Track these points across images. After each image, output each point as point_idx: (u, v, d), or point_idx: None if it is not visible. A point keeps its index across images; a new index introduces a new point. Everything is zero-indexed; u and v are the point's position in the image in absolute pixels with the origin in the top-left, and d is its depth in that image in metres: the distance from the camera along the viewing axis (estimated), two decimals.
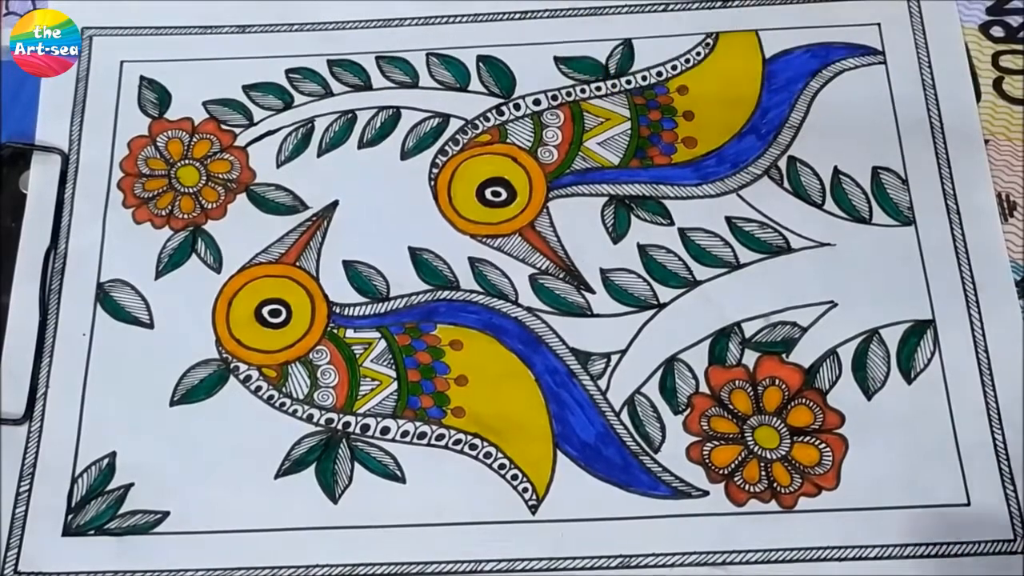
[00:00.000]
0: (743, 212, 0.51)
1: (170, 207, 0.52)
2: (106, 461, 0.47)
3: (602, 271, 0.50)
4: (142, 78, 0.55)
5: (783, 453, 0.46)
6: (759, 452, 0.46)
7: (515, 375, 0.48)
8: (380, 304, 0.50)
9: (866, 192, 0.51)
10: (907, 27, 0.54)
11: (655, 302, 0.49)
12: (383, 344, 0.49)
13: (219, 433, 0.48)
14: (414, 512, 0.46)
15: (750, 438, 0.47)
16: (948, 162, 0.51)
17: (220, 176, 0.53)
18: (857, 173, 0.51)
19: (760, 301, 0.49)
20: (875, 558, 0.44)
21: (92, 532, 0.46)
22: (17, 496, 0.47)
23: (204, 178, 0.53)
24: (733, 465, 0.46)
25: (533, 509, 0.46)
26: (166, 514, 0.46)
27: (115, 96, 0.55)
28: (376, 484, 0.47)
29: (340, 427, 0.48)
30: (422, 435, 0.47)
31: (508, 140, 0.53)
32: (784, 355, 0.48)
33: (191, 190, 0.53)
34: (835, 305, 0.49)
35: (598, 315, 0.49)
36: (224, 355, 0.49)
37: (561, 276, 0.50)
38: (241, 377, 0.49)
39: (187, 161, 0.53)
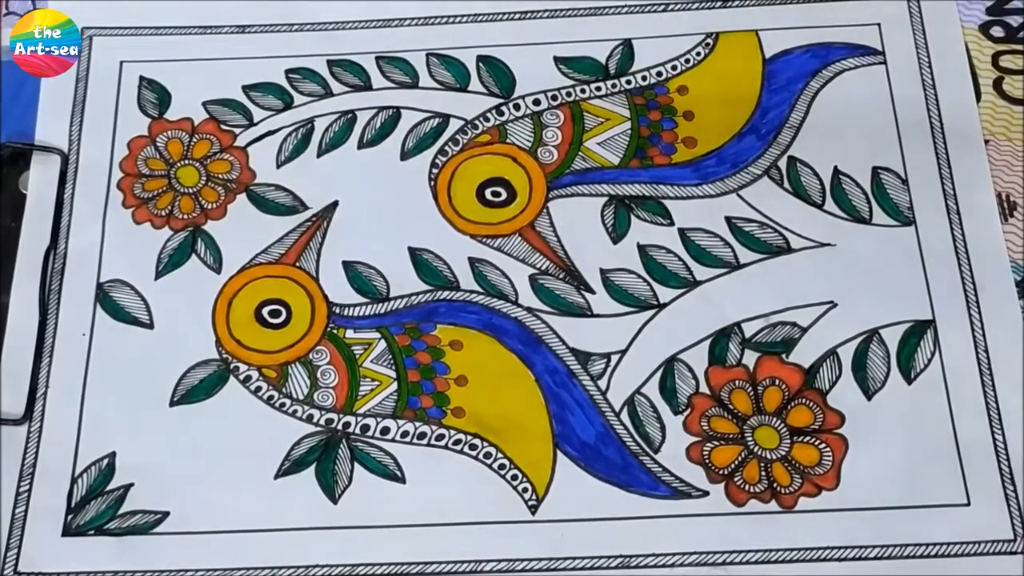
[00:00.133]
0: (743, 212, 0.51)
1: (170, 207, 0.52)
2: (106, 461, 0.47)
3: (602, 271, 0.50)
4: (142, 78, 0.55)
5: (783, 453, 0.46)
6: (759, 452, 0.46)
7: (515, 375, 0.48)
8: (380, 304, 0.50)
9: (866, 192, 0.51)
10: (907, 27, 0.54)
11: (655, 302, 0.49)
12: (383, 344, 0.49)
13: (219, 433, 0.48)
14: (414, 512, 0.46)
15: (750, 438, 0.47)
16: (948, 162, 0.51)
17: (220, 176, 0.53)
18: (857, 173, 0.51)
19: (760, 301, 0.49)
20: (875, 558, 0.44)
21: (92, 532, 0.46)
22: (17, 496, 0.47)
23: (204, 178, 0.53)
24: (733, 465, 0.46)
25: (533, 509, 0.46)
26: (166, 514, 0.46)
27: (115, 96, 0.55)
28: (376, 484, 0.46)
29: (340, 427, 0.48)
30: (422, 435, 0.47)
31: (508, 140, 0.53)
32: (784, 355, 0.48)
33: (191, 190, 0.53)
34: (835, 305, 0.49)
35: (598, 315, 0.49)
36: (224, 355, 0.49)
37: (561, 276, 0.50)
38: (241, 377, 0.49)
39: (187, 161, 0.53)
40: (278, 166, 0.53)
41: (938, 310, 0.48)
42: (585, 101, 0.54)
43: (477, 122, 0.53)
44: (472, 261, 0.51)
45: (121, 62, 0.55)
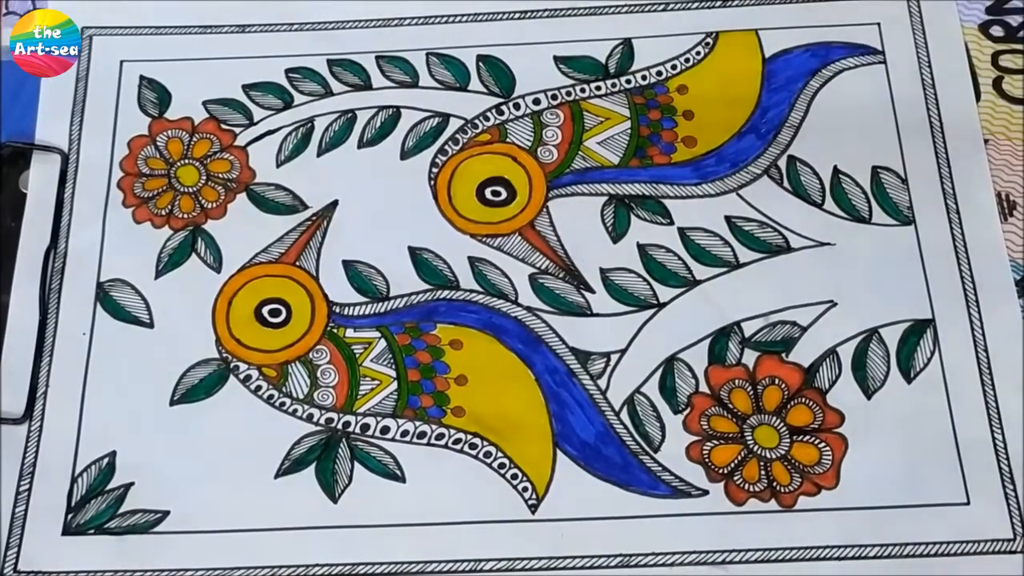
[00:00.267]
0: (743, 211, 0.51)
1: (170, 207, 0.52)
2: (106, 460, 0.47)
3: (602, 270, 0.50)
4: (142, 78, 0.55)
5: (783, 452, 0.46)
6: (759, 451, 0.46)
7: (515, 375, 0.48)
8: (380, 304, 0.50)
9: (866, 192, 0.51)
10: (907, 27, 0.54)
11: (655, 301, 0.49)
12: (383, 344, 0.49)
13: (219, 432, 0.48)
14: (414, 511, 0.46)
15: (750, 437, 0.47)
16: (948, 162, 0.51)
17: (220, 176, 0.53)
18: (857, 173, 0.51)
19: (760, 300, 0.49)
20: (874, 557, 0.44)
21: (92, 531, 0.46)
22: (17, 495, 0.47)
23: (204, 178, 0.53)
24: (733, 464, 0.46)
25: (533, 508, 0.46)
26: (166, 513, 0.46)
27: (115, 96, 0.55)
28: (376, 483, 0.47)
29: (340, 427, 0.48)
30: (422, 434, 0.47)
31: (508, 140, 0.53)
32: (784, 354, 0.48)
33: (191, 190, 0.53)
34: (835, 304, 0.49)
35: (598, 315, 0.49)
36: (224, 355, 0.49)
37: (561, 276, 0.50)
38: (241, 377, 0.49)
39: (187, 161, 0.53)
40: (278, 165, 0.53)
41: (938, 309, 0.48)
42: (585, 100, 0.54)
43: (477, 121, 0.53)
44: (472, 260, 0.51)
45: (121, 62, 0.55)
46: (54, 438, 0.48)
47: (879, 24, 0.54)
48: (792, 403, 0.47)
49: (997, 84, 0.53)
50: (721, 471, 0.46)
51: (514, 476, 0.46)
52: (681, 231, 0.51)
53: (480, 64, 0.55)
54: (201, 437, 0.47)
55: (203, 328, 0.50)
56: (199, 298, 0.50)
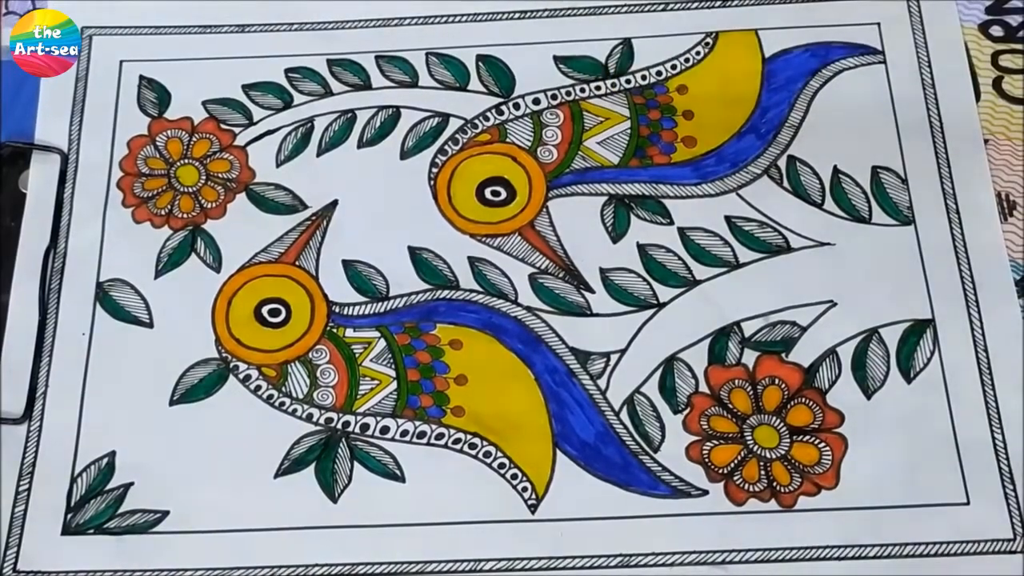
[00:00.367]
0: (743, 211, 0.51)
1: (169, 206, 0.52)
2: (105, 460, 0.47)
3: (602, 270, 0.50)
4: (141, 78, 0.55)
5: (783, 452, 0.46)
6: (759, 451, 0.46)
7: (515, 374, 0.48)
8: (380, 303, 0.50)
9: (866, 192, 0.51)
10: (907, 27, 0.54)
11: (655, 301, 0.49)
12: (383, 343, 0.49)
13: (219, 432, 0.48)
14: (414, 511, 0.46)
15: (750, 437, 0.47)
16: (948, 162, 0.51)
17: (219, 175, 0.53)
18: (857, 173, 0.51)
19: (760, 300, 0.49)
20: (875, 557, 0.44)
21: (91, 531, 0.46)
22: (16, 495, 0.47)
23: (203, 177, 0.53)
24: (733, 464, 0.46)
25: (532, 508, 0.46)
26: (165, 513, 0.46)
27: (115, 96, 0.55)
28: (376, 483, 0.46)
29: (340, 426, 0.48)
30: (422, 434, 0.47)
31: (508, 139, 0.53)
32: (784, 354, 0.48)
33: (190, 189, 0.53)
34: (835, 304, 0.49)
35: (598, 314, 0.49)
36: (224, 354, 0.49)
37: (561, 275, 0.50)
38: (241, 376, 0.49)
39: (186, 160, 0.53)
40: (278, 165, 0.53)
41: (938, 309, 0.48)
42: (585, 100, 0.54)
43: (477, 121, 0.53)
44: (472, 260, 0.51)
45: (121, 61, 0.55)
46: (54, 438, 0.48)
47: (879, 24, 0.54)
48: (792, 403, 0.47)
49: (997, 84, 0.53)
50: (721, 471, 0.46)
51: (514, 476, 0.46)
52: (681, 231, 0.51)
53: (480, 64, 0.55)
54: (201, 437, 0.47)
55: (203, 328, 0.50)
56: (199, 298, 0.50)
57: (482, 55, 0.55)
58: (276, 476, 0.47)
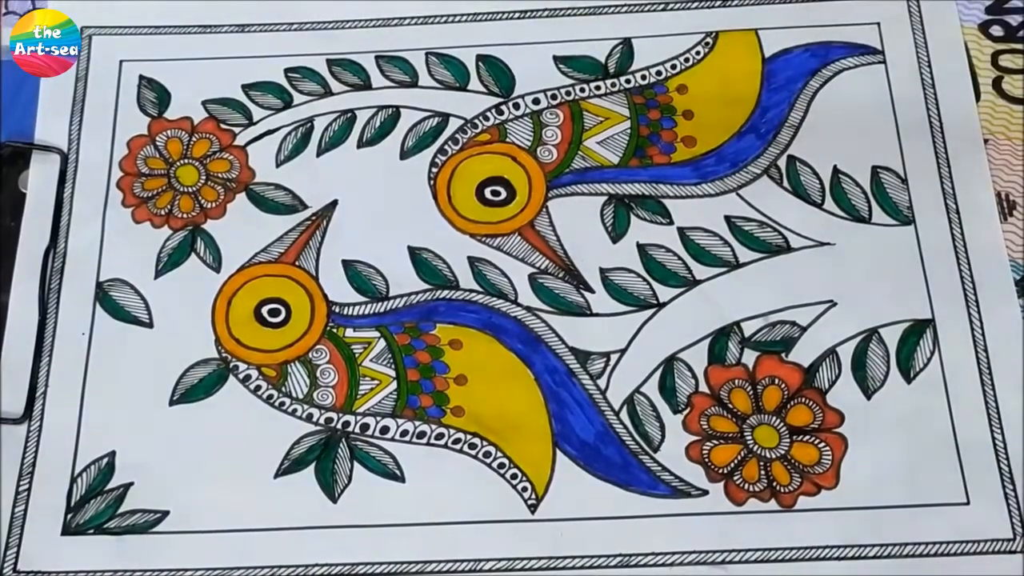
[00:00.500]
0: (742, 211, 0.51)
1: (169, 206, 0.52)
2: (105, 460, 0.47)
3: (601, 270, 0.50)
4: (141, 77, 0.55)
5: (782, 452, 0.46)
6: (758, 451, 0.46)
7: (514, 374, 0.48)
8: (379, 303, 0.50)
9: (866, 191, 0.51)
10: (907, 26, 0.54)
11: (654, 301, 0.49)
12: (382, 343, 0.49)
13: (219, 432, 0.48)
14: (413, 511, 0.46)
15: (749, 437, 0.47)
16: (948, 161, 0.51)
17: (219, 175, 0.53)
18: (857, 172, 0.51)
19: (759, 300, 0.49)
20: (874, 557, 0.44)
21: (91, 531, 0.46)
22: (16, 495, 0.47)
23: (203, 177, 0.53)
24: (732, 464, 0.46)
25: (532, 508, 0.46)
26: (165, 513, 0.46)
27: (114, 95, 0.55)
28: (375, 483, 0.46)
29: (339, 426, 0.48)
30: (421, 434, 0.47)
31: (507, 139, 0.53)
32: (783, 354, 0.48)
33: (190, 189, 0.53)
34: (834, 304, 0.49)
35: (597, 314, 0.49)
36: (223, 354, 0.49)
37: (560, 275, 0.50)
38: (240, 376, 0.49)
39: (186, 160, 0.53)
40: (277, 165, 0.53)
41: (937, 309, 0.48)
42: (584, 100, 0.54)
43: (476, 121, 0.53)
44: (471, 260, 0.51)
45: (121, 61, 0.55)
46: (54, 438, 0.48)
47: (879, 24, 0.54)
48: (792, 403, 0.47)
49: (997, 84, 0.53)
50: (721, 471, 0.46)
51: (513, 476, 0.46)
52: (681, 231, 0.51)
53: (480, 64, 0.55)
54: (201, 437, 0.47)
55: (202, 328, 0.50)
56: (198, 298, 0.50)
57: (482, 55, 0.55)
58: (276, 476, 0.47)
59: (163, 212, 0.52)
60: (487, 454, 0.47)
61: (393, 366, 0.49)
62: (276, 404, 0.48)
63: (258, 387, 0.48)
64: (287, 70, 0.55)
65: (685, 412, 0.47)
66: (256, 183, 0.53)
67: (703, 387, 0.48)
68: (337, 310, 0.50)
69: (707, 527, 0.45)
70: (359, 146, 0.53)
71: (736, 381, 0.48)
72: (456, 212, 0.52)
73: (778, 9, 0.55)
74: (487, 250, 0.51)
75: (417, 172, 0.52)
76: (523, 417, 0.47)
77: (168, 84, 0.55)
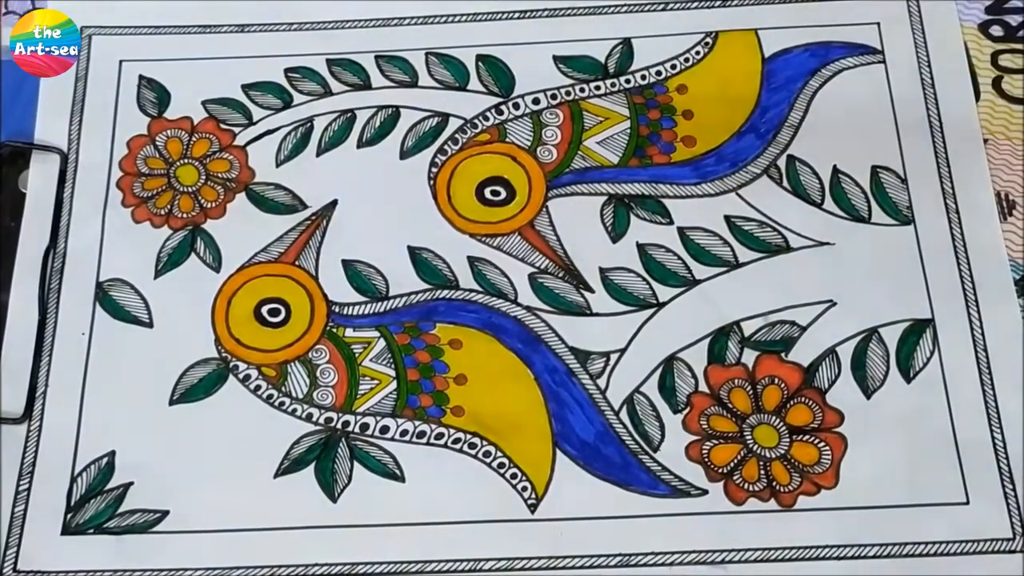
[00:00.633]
0: (742, 211, 0.51)
1: (169, 206, 0.52)
2: (105, 460, 0.47)
3: (601, 270, 0.50)
4: (141, 77, 0.55)
5: (782, 452, 0.46)
6: (758, 451, 0.46)
7: (514, 374, 0.48)
8: (379, 303, 0.50)
9: (865, 191, 0.51)
10: (906, 26, 0.54)
11: (654, 301, 0.49)
12: (382, 343, 0.49)
13: (218, 432, 0.48)
14: (413, 511, 0.46)
15: (749, 437, 0.47)
16: (947, 161, 0.51)
17: (219, 175, 0.53)
18: (856, 172, 0.51)
19: (759, 300, 0.49)
20: (874, 557, 0.44)
21: (91, 531, 0.46)
22: (16, 495, 0.47)
23: (203, 177, 0.53)
24: (732, 464, 0.46)
25: (532, 508, 0.46)
26: (165, 513, 0.46)
27: (114, 95, 0.55)
28: (375, 483, 0.47)
29: (339, 426, 0.48)
30: (421, 434, 0.47)
31: (507, 139, 0.53)
32: (783, 354, 0.48)
33: (190, 189, 0.53)
34: (834, 304, 0.49)
35: (597, 314, 0.49)
36: (223, 354, 0.49)
37: (560, 275, 0.50)
38: (240, 376, 0.49)
39: (186, 160, 0.53)
40: (277, 165, 0.53)
41: (937, 309, 0.48)
42: (584, 100, 0.54)
43: (476, 121, 0.53)
44: (471, 260, 0.51)
45: (120, 61, 0.55)
46: (54, 438, 0.48)
47: (879, 24, 0.54)
48: (792, 403, 0.47)
49: (997, 84, 0.53)
50: (721, 471, 0.46)
51: (513, 476, 0.46)
52: (680, 231, 0.51)
53: (479, 64, 0.55)
54: (200, 437, 0.47)
55: (202, 328, 0.50)
56: (198, 298, 0.50)
57: (482, 55, 0.55)
58: (276, 476, 0.47)
59: (163, 212, 0.52)
60: (487, 454, 0.47)
61: (393, 366, 0.49)
62: (276, 404, 0.48)
63: (258, 387, 0.48)
64: (287, 70, 0.55)
65: (685, 412, 0.47)
66: (256, 183, 0.53)
67: (703, 387, 0.48)
68: (337, 310, 0.50)
69: (707, 527, 0.45)
70: (359, 146, 0.53)
71: (736, 381, 0.48)
72: (456, 212, 0.52)
73: (778, 9, 0.55)
74: (487, 250, 0.51)
75: (417, 172, 0.52)
76: (523, 417, 0.47)
77: (168, 84, 0.55)
